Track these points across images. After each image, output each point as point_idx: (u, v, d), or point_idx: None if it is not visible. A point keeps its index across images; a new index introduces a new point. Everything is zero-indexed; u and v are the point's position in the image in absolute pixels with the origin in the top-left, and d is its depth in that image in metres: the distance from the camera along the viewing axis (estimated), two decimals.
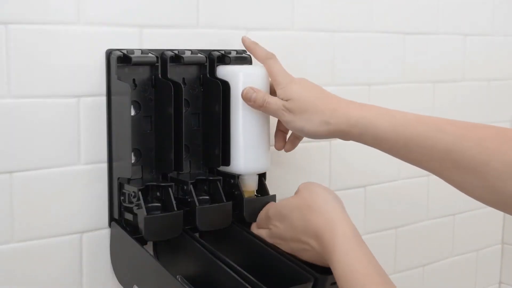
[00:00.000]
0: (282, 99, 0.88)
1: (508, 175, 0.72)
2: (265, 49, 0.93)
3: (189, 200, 0.88)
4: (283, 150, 0.97)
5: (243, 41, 0.94)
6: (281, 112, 0.88)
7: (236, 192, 0.92)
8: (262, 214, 0.92)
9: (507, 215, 1.48)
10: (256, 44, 0.94)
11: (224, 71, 0.92)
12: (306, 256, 0.86)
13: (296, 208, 0.86)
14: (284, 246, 0.88)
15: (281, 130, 0.97)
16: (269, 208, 0.91)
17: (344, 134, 0.85)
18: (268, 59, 0.92)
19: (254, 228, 0.93)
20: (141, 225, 0.82)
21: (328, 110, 0.85)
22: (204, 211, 0.88)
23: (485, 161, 0.73)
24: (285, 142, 0.97)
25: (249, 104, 0.90)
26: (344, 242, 0.79)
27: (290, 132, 0.97)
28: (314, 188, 0.88)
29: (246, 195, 0.92)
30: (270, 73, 0.91)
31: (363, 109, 0.85)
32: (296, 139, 0.97)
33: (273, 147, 0.97)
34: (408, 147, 0.80)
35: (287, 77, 0.90)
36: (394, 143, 0.81)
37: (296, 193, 0.89)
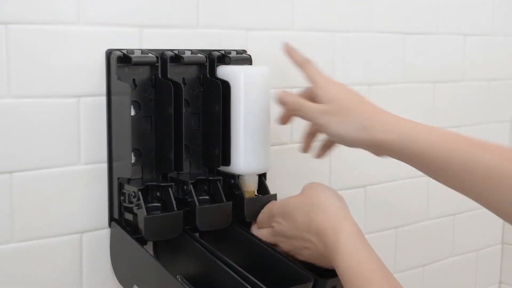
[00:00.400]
0: (320, 101, 0.85)
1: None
2: (301, 54, 0.92)
3: (189, 200, 0.88)
4: (283, 150, 0.96)
5: (285, 46, 0.92)
6: (317, 116, 0.85)
7: (236, 192, 0.92)
8: (264, 212, 0.92)
9: None
10: (294, 49, 0.92)
11: (224, 71, 0.92)
12: (306, 254, 0.86)
13: (300, 206, 0.86)
14: (286, 244, 0.88)
15: (310, 133, 0.95)
16: (272, 206, 0.91)
17: (382, 144, 0.81)
18: (305, 64, 0.90)
19: (255, 229, 0.93)
20: (141, 225, 0.82)
21: (366, 114, 0.82)
22: (204, 211, 0.88)
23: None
24: (310, 146, 0.96)
25: (283, 107, 0.89)
26: (349, 240, 0.79)
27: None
28: (318, 187, 0.88)
29: (246, 195, 0.92)
30: (308, 76, 0.89)
31: (401, 121, 0.82)
32: (330, 143, 0.94)
33: (274, 147, 0.97)
34: (437, 170, 0.79)
35: (327, 79, 0.88)
36: (419, 161, 0.79)
37: (300, 192, 0.89)
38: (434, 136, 0.79)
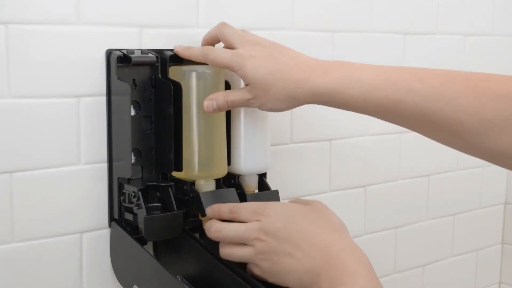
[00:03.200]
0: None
1: (484, 132, 0.70)
2: (199, 47, 0.87)
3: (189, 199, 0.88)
4: (283, 150, 0.95)
5: (177, 52, 0.88)
6: (248, 103, 0.83)
7: (238, 191, 0.92)
8: (247, 206, 0.81)
9: (507, 215, 1.48)
10: (190, 47, 0.87)
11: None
12: (287, 262, 0.74)
13: (306, 211, 0.78)
14: (262, 246, 0.76)
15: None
16: (264, 204, 0.81)
17: (314, 103, 0.81)
18: (205, 55, 0.84)
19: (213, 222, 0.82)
20: (141, 225, 0.82)
21: (291, 85, 0.79)
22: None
23: (460, 121, 0.71)
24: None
25: (216, 112, 0.85)
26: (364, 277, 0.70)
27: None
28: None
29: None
30: (216, 64, 0.84)
31: (327, 75, 0.78)
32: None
33: (274, 147, 0.97)
34: (379, 112, 0.77)
35: (235, 58, 0.82)
36: (364, 109, 0.77)
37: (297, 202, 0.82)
38: (359, 86, 0.76)
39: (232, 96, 0.84)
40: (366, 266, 0.72)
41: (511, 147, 0.71)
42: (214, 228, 0.80)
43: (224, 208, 0.81)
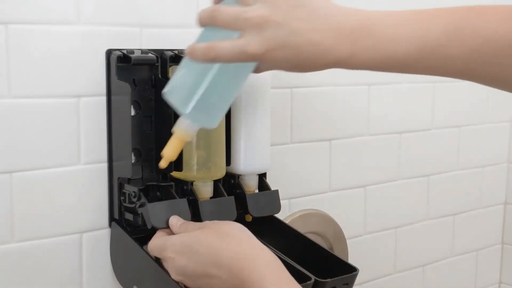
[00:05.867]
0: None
1: None
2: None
3: (190, 198, 0.88)
4: (283, 150, 0.95)
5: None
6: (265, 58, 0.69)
7: (238, 191, 0.92)
8: (157, 237, 0.80)
9: (507, 215, 1.48)
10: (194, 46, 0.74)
11: None
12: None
13: (202, 238, 0.75)
14: (190, 284, 0.75)
15: None
16: (168, 238, 0.78)
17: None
18: (211, 59, 0.71)
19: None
20: (146, 214, 0.81)
21: (314, 50, 0.68)
22: (206, 204, 0.87)
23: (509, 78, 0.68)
24: None
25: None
26: (271, 272, 0.70)
27: None
28: (221, 221, 0.79)
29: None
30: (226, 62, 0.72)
31: (355, 55, 0.68)
32: None
33: (274, 147, 0.97)
34: (420, 73, 0.71)
35: (242, 56, 0.69)
36: (402, 72, 0.70)
37: (199, 227, 0.78)
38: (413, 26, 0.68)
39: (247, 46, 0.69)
40: (264, 262, 0.72)
41: None
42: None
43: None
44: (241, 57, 0.69)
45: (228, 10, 0.71)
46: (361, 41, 0.68)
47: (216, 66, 0.73)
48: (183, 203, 0.84)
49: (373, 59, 0.68)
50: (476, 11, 0.68)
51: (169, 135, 0.86)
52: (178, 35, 0.93)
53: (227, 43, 0.70)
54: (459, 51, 0.67)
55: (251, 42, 0.68)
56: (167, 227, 0.81)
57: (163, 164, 0.76)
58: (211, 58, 0.71)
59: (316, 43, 0.68)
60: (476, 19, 0.67)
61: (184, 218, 0.82)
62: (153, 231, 0.83)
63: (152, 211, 0.81)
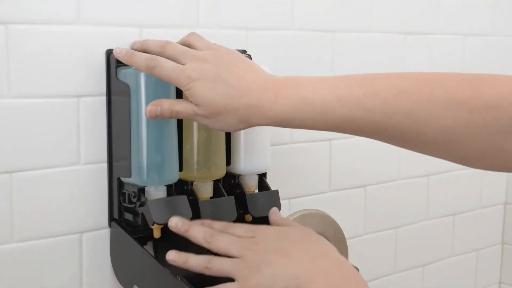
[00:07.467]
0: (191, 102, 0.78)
1: (447, 142, 0.70)
2: (144, 54, 0.81)
3: (190, 198, 0.88)
4: (283, 150, 0.95)
5: (116, 56, 0.83)
6: (195, 118, 0.78)
7: (238, 191, 0.92)
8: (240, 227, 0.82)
9: (507, 215, 1.48)
10: (133, 52, 0.81)
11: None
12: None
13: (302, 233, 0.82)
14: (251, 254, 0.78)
15: None
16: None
17: (269, 125, 0.78)
18: (151, 69, 0.79)
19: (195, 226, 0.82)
20: (146, 211, 0.81)
21: (242, 110, 0.75)
22: (206, 204, 0.87)
23: (421, 132, 0.70)
24: None
25: (159, 118, 0.80)
26: None
27: None
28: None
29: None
30: (162, 79, 0.79)
31: (278, 100, 0.74)
32: None
33: (274, 147, 0.97)
34: (339, 130, 0.74)
35: (182, 78, 0.77)
36: (323, 129, 0.75)
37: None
38: (312, 110, 0.73)
39: (178, 106, 0.79)
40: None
41: (476, 152, 0.70)
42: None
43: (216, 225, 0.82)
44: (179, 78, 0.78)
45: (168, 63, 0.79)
46: (284, 88, 0.75)
47: (144, 129, 0.82)
48: (183, 199, 0.84)
49: (290, 106, 0.74)
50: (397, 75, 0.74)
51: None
52: (178, 35, 0.93)
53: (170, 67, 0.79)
54: (374, 103, 0.71)
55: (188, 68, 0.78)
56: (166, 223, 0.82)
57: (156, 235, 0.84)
58: (154, 73, 0.79)
59: (245, 83, 0.77)
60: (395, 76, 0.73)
61: (185, 215, 0.82)
62: (151, 231, 0.83)
63: (153, 207, 0.81)
